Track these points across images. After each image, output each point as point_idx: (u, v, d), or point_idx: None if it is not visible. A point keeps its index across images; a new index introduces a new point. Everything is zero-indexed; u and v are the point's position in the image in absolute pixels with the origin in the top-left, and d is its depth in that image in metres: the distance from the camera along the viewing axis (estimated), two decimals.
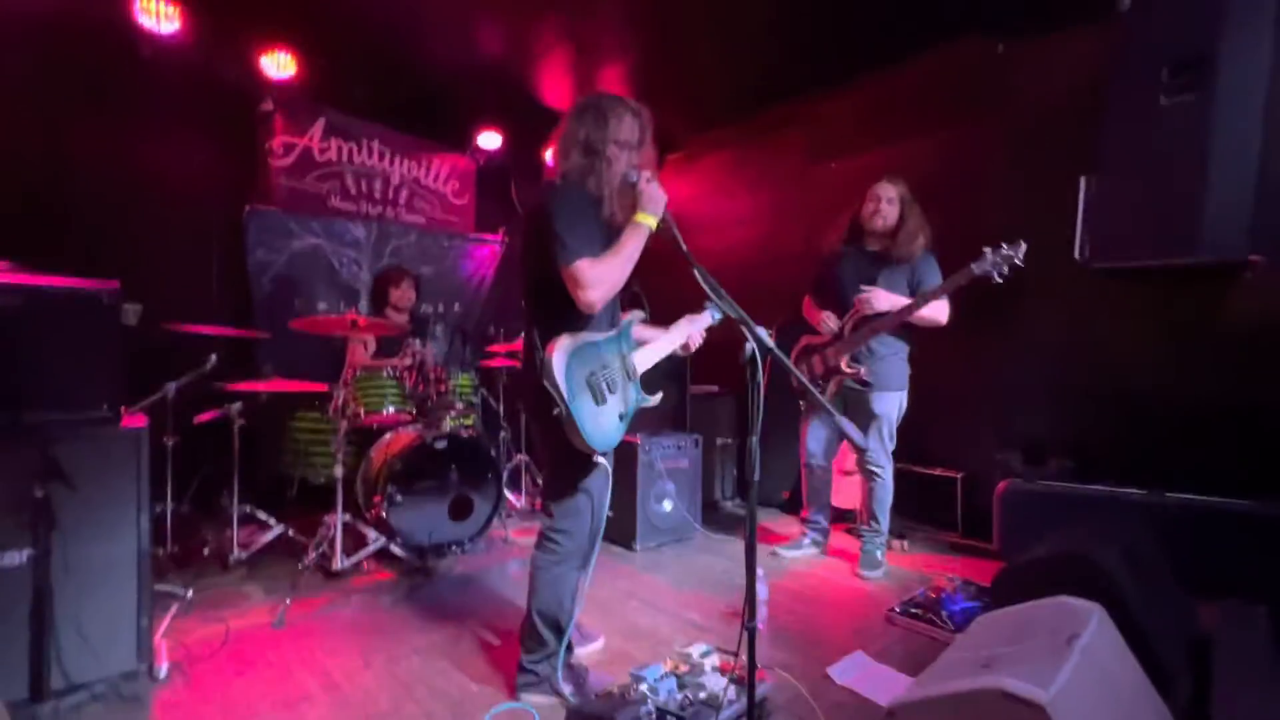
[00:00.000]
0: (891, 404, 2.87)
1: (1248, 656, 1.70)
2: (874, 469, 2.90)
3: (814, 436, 3.08)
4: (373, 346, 3.44)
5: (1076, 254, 2.76)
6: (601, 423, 1.69)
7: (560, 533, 1.82)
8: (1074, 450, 3.01)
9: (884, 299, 2.77)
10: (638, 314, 1.94)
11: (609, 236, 1.74)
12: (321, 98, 4.06)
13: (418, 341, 3.30)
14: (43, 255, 2.03)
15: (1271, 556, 2.26)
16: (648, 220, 1.69)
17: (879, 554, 2.92)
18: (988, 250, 2.59)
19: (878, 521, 2.92)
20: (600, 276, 1.64)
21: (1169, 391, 2.76)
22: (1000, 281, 2.58)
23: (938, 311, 2.75)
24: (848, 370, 2.83)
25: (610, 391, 1.74)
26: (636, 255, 1.69)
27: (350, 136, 4.23)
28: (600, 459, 1.77)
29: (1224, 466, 2.53)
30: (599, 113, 1.75)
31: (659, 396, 1.96)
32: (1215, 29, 2.32)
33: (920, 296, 2.71)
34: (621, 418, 1.78)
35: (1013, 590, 1.89)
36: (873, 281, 2.82)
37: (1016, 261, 2.55)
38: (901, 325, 2.80)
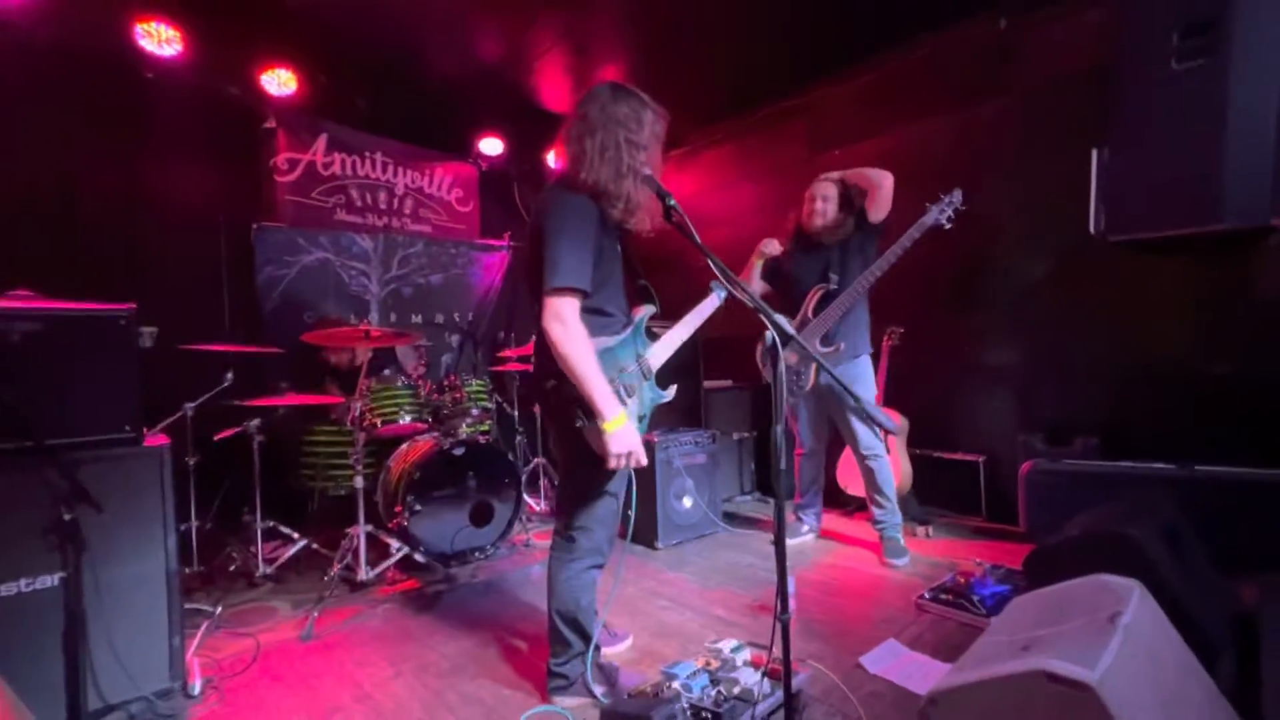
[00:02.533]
0: (868, 384, 2.92)
1: None
2: (872, 454, 2.89)
3: (803, 423, 3.11)
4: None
5: (1091, 228, 2.71)
6: None
7: (577, 530, 1.80)
8: (1098, 428, 2.96)
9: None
10: (649, 309, 1.91)
11: (610, 242, 1.72)
12: (323, 113, 4.09)
13: (387, 370, 3.29)
14: (56, 281, 2.05)
15: None
16: (605, 426, 1.57)
17: (900, 539, 2.90)
18: (929, 205, 2.66)
19: (885, 498, 2.90)
20: (567, 334, 1.55)
21: (1194, 363, 2.71)
22: (949, 227, 2.65)
23: (879, 175, 2.71)
24: (824, 350, 2.83)
25: (628, 395, 1.72)
26: (577, 381, 1.57)
27: (353, 150, 4.26)
28: None
29: (1254, 437, 2.48)
30: (632, 113, 1.67)
31: (673, 390, 1.92)
32: None
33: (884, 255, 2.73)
34: (641, 419, 1.76)
35: (1046, 570, 1.86)
36: (826, 270, 2.87)
37: (958, 206, 2.65)
38: (860, 299, 2.83)
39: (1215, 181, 2.28)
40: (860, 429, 2.86)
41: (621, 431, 1.58)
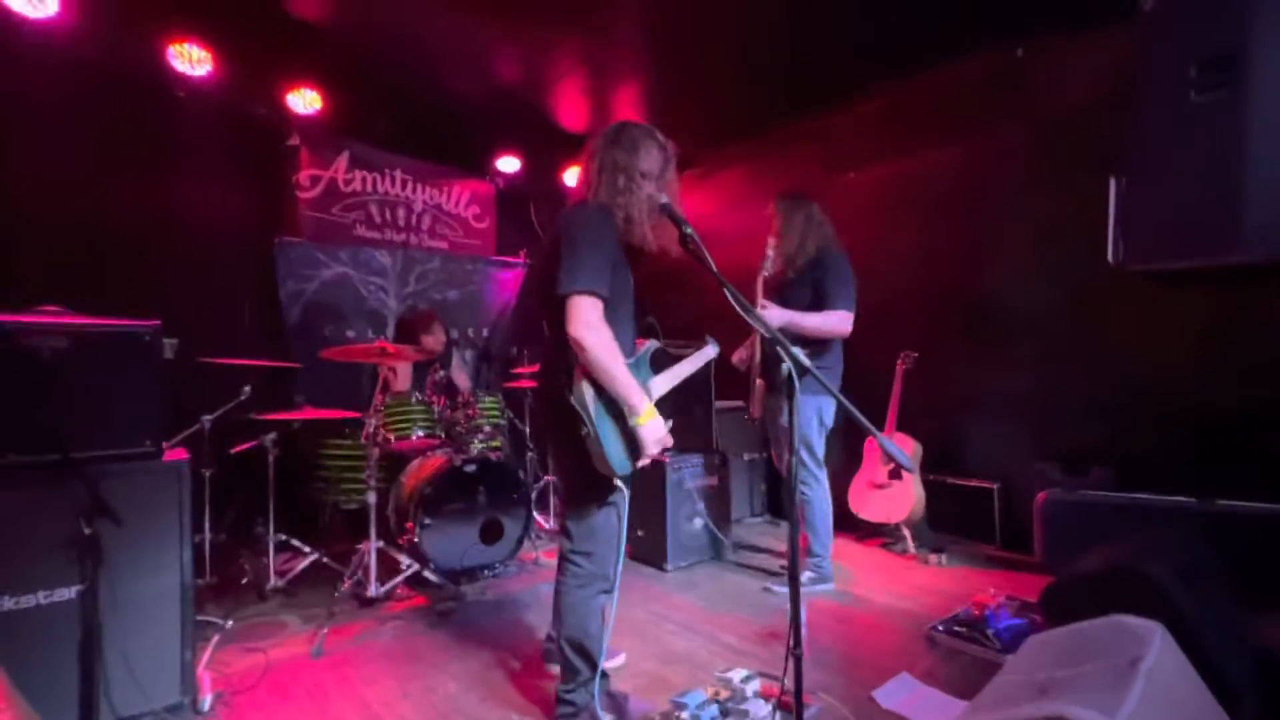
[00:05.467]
0: (803, 413, 2.72)
1: None
2: (800, 488, 2.75)
3: (776, 448, 3.12)
4: (408, 380, 3.45)
5: (1110, 257, 2.70)
6: (623, 446, 1.69)
7: (581, 555, 1.80)
8: (1114, 458, 2.92)
9: (776, 316, 2.68)
10: (654, 344, 1.94)
11: (623, 264, 1.75)
12: (345, 131, 4.17)
13: (442, 371, 3.38)
14: (83, 294, 2.09)
15: None
16: (638, 420, 1.65)
17: (817, 573, 2.81)
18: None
19: (812, 555, 2.80)
20: (593, 334, 1.60)
21: (1212, 395, 2.68)
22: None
23: (824, 323, 2.69)
24: (760, 380, 2.89)
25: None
26: (608, 381, 1.63)
27: (374, 167, 4.33)
28: (619, 483, 1.74)
29: (1272, 472, 2.43)
30: (630, 141, 1.78)
31: (670, 424, 1.95)
32: (1243, 23, 2.27)
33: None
34: None
35: (1063, 606, 1.83)
36: (779, 300, 2.80)
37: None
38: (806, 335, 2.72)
39: (1233, 214, 2.26)
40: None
41: (653, 424, 1.67)
